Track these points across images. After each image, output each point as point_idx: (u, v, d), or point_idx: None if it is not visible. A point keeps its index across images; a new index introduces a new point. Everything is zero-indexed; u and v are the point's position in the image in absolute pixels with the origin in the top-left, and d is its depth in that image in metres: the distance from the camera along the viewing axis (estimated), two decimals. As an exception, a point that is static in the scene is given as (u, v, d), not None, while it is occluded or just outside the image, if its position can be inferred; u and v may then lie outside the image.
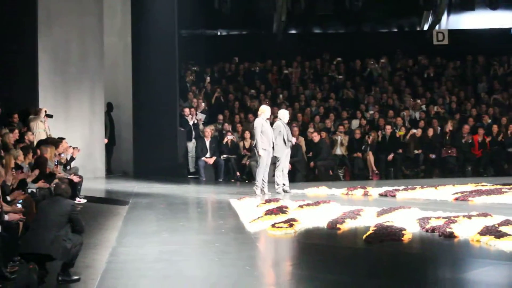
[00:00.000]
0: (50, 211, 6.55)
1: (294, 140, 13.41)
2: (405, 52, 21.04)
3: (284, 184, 12.62)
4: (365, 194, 12.26)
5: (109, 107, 16.82)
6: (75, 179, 11.46)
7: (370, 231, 8.22)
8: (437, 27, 21.79)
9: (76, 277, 6.52)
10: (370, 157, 16.41)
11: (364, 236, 8.05)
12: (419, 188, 12.39)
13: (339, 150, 16.62)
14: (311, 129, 16.91)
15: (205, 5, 20.47)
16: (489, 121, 17.45)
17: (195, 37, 21.32)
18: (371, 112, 18.24)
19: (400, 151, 16.60)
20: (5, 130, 11.15)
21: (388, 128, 16.80)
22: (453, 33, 21.63)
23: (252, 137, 14.16)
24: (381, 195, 12.10)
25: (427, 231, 8.40)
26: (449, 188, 12.41)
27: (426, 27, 22.14)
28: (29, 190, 9.07)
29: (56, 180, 10.01)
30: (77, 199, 11.40)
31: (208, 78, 19.72)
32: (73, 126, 15.22)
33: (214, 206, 11.89)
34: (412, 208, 9.74)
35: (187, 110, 17.09)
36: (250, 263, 7.10)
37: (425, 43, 21.48)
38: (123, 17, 17.19)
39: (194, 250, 7.84)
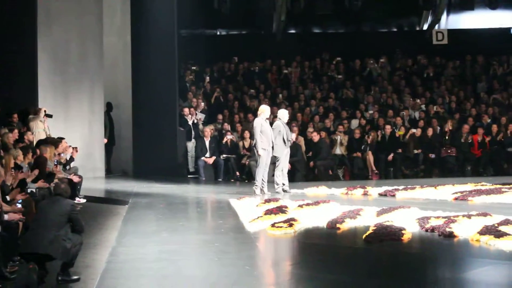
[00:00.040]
0: (49, 211, 6.55)
1: (294, 135, 13.45)
2: (404, 51, 21.04)
3: (283, 184, 12.61)
4: (365, 194, 12.26)
5: (109, 107, 16.81)
6: (75, 179, 11.45)
7: (370, 231, 8.22)
8: (436, 26, 21.79)
9: (75, 277, 6.52)
10: (370, 157, 16.41)
11: (364, 236, 8.05)
12: (418, 188, 12.39)
13: (338, 150, 16.63)
14: (310, 129, 16.91)
15: (204, 5, 20.49)
16: (489, 120, 17.46)
17: (195, 36, 21.33)
18: (371, 111, 18.24)
19: (400, 150, 16.61)
20: (4, 130, 11.14)
21: (388, 128, 16.80)
22: (452, 32, 21.63)
23: (252, 136, 14.17)
24: (380, 194, 12.10)
25: (426, 230, 8.40)
26: (449, 187, 12.42)
27: (425, 27, 22.15)
28: (29, 190, 9.05)
29: (56, 180, 10.00)
30: (77, 199, 11.40)
31: (207, 78, 19.74)
32: (73, 126, 15.21)
33: (214, 206, 11.89)
34: (411, 208, 9.74)
35: (186, 110, 17.09)
36: (249, 263, 7.10)
37: (424, 43, 21.49)
38: (123, 16, 17.18)
39: (194, 249, 7.85)
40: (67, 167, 12.20)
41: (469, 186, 12.52)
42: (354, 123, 17.81)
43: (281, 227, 8.61)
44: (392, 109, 18.27)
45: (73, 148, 12.70)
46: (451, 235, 8.06)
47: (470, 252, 7.60)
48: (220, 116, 17.77)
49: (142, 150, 16.33)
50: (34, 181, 9.64)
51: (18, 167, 9.14)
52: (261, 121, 12.39)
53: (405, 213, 9.45)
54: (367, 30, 22.76)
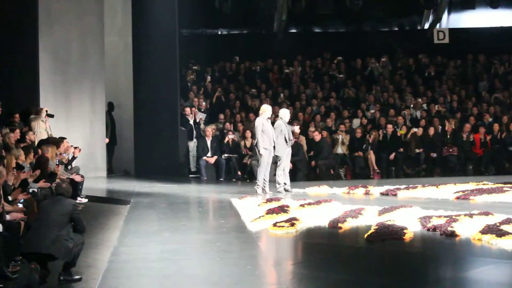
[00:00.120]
0: (51, 211, 6.56)
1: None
2: (405, 51, 21.02)
3: (285, 183, 12.61)
4: (367, 193, 12.25)
5: (110, 107, 16.82)
6: (77, 178, 11.46)
7: (372, 230, 8.22)
8: (437, 26, 21.78)
9: (77, 277, 6.53)
10: (371, 156, 16.40)
11: (366, 235, 8.05)
12: (420, 187, 12.38)
13: (340, 149, 16.62)
14: (312, 128, 16.90)
15: (205, 5, 20.47)
16: (490, 119, 17.43)
17: (196, 36, 21.33)
18: (372, 111, 18.23)
19: (401, 150, 16.60)
20: (6, 130, 11.16)
21: (389, 127, 16.79)
22: (453, 31, 21.62)
23: (253, 136, 14.16)
24: (382, 194, 12.09)
25: (428, 230, 8.40)
26: (451, 187, 12.40)
27: (426, 26, 22.13)
28: (31, 190, 9.07)
29: (58, 180, 10.01)
30: (79, 198, 11.42)
31: (209, 78, 19.73)
32: (74, 126, 15.23)
33: (215, 205, 11.89)
34: (413, 207, 9.74)
35: (188, 110, 17.08)
36: (251, 262, 7.10)
37: (426, 42, 21.46)
38: (124, 16, 17.18)
39: (196, 249, 7.85)
40: (69, 167, 12.22)
41: (471, 185, 12.51)
42: (356, 122, 17.80)
43: (283, 226, 8.61)
44: (393, 108, 18.26)
45: (75, 148, 12.72)
46: (453, 234, 8.06)
47: (472, 251, 7.60)
48: (221, 116, 17.77)
49: (143, 150, 16.33)
50: (36, 181, 9.65)
51: (19, 167, 9.16)
52: (262, 120, 12.39)
53: (407, 212, 9.46)
54: (368, 29, 22.75)
